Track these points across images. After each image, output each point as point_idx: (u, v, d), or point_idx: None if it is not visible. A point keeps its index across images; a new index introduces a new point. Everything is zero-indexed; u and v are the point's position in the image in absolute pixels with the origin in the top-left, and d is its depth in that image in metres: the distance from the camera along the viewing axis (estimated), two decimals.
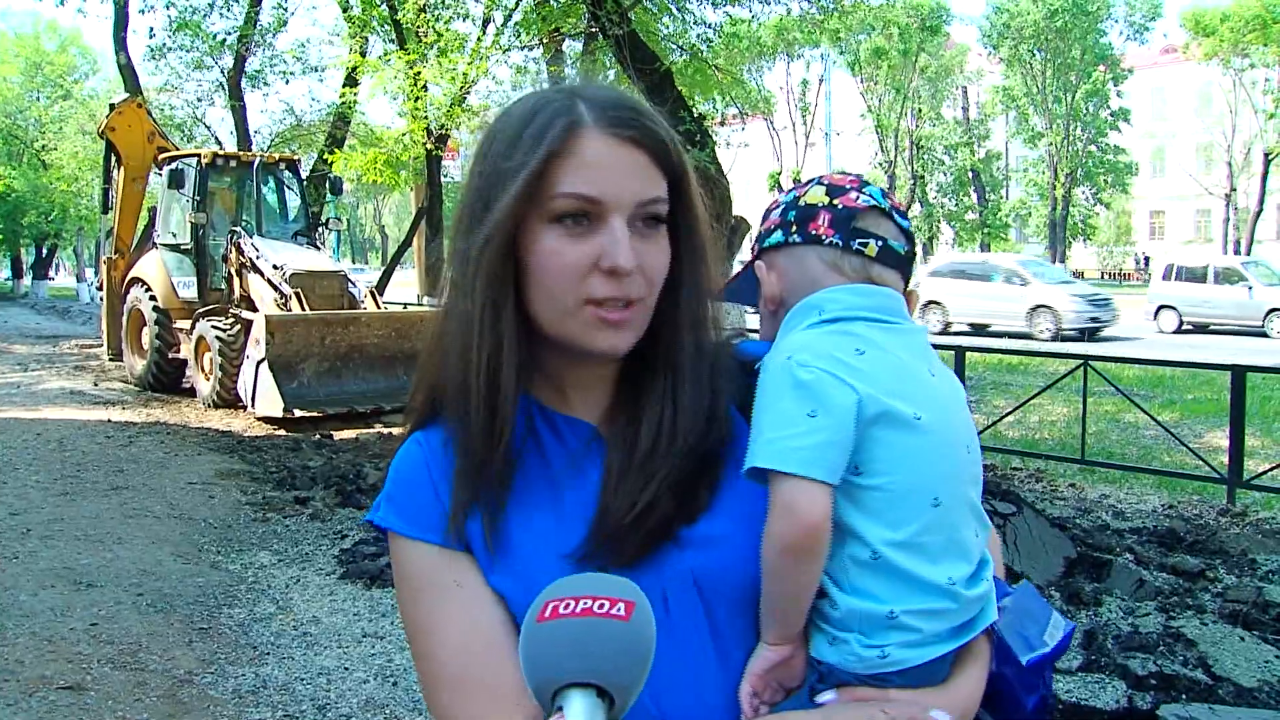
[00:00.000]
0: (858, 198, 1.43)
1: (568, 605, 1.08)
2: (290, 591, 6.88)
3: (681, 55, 16.19)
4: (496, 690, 1.28)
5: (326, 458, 11.32)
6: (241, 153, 19.50)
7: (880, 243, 1.41)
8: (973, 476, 1.35)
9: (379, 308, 15.77)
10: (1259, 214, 47.69)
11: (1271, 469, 9.07)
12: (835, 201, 1.43)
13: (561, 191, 1.27)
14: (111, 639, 5.93)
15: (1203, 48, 45.97)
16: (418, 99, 16.92)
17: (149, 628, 6.13)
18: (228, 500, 9.24)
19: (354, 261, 77.70)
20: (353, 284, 15.96)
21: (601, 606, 1.08)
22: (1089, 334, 25.90)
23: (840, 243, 1.41)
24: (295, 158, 18.80)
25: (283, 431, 12.95)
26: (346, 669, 5.62)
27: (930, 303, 27.76)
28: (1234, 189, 50.61)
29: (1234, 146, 50.56)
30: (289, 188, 17.94)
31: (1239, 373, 9.11)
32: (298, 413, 13.16)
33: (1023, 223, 65.47)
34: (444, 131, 19.24)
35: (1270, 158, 46.86)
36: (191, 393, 16.04)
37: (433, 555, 1.35)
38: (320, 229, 17.98)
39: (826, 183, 1.47)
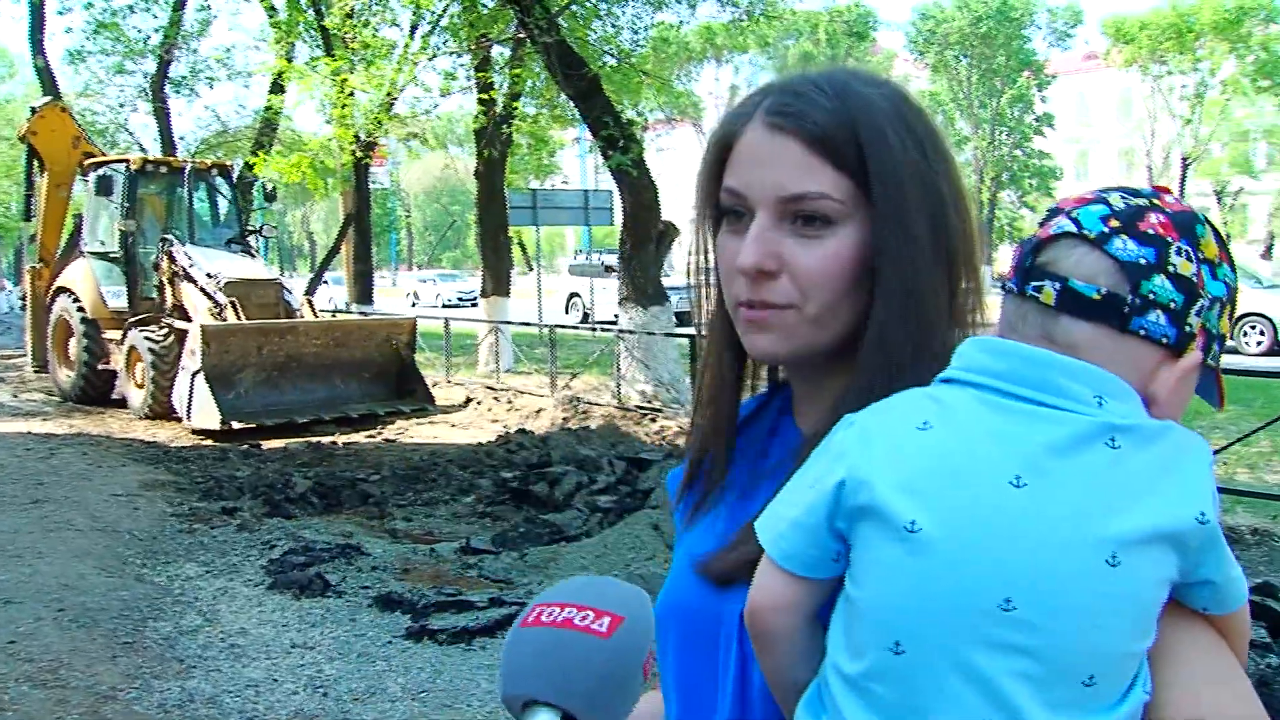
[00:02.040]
0: (1055, 221, 1.03)
1: (552, 612, 0.99)
2: (218, 603, 6.77)
3: (610, 61, 16.19)
4: None
5: (254, 467, 11.18)
6: (172, 158, 19.01)
7: (1058, 285, 1.00)
8: (999, 643, 0.93)
9: (315, 316, 15.59)
10: None
11: None
12: (1037, 231, 1.06)
13: (723, 187, 1.21)
14: (30, 656, 5.78)
15: (1122, 54, 46.97)
16: (345, 105, 16.77)
17: (70, 644, 5.99)
18: (153, 512, 9.07)
19: (282, 269, 76.93)
20: (288, 292, 15.74)
21: (584, 618, 0.98)
22: None
23: (1015, 288, 1.04)
24: (227, 164, 18.42)
25: (209, 441, 12.76)
26: (275, 680, 5.54)
27: None
28: None
29: (1153, 151, 51.49)
30: (221, 194, 17.55)
31: None
32: (236, 425, 12.87)
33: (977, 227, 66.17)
34: (372, 139, 19.11)
35: (1188, 162, 47.93)
36: (121, 404, 15.68)
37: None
38: (254, 236, 17.65)
39: (1059, 205, 1.07)
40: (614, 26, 16.32)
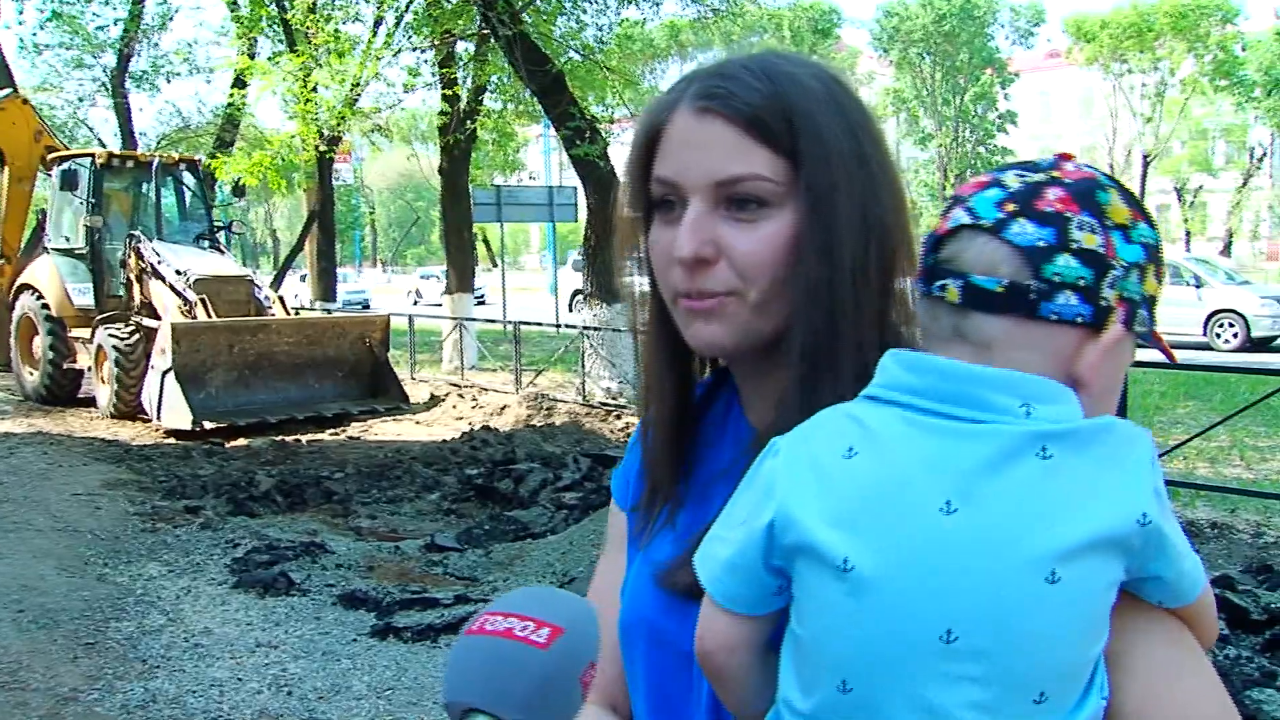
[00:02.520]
0: (952, 212, 0.99)
1: (495, 621, 1.00)
2: (181, 603, 6.73)
3: (574, 56, 16.17)
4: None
5: (218, 466, 11.11)
6: (139, 153, 18.78)
7: (960, 282, 0.96)
8: (945, 675, 0.90)
9: (287, 313, 15.36)
10: None
11: None
12: (936, 225, 1.02)
13: (653, 177, 1.16)
14: None
15: (1084, 53, 47.48)
16: (308, 101, 16.66)
17: (30, 645, 5.93)
18: (115, 511, 9.00)
19: (245, 265, 76.35)
20: (259, 288, 15.47)
21: (524, 629, 0.99)
22: None
23: (923, 288, 1.00)
24: (195, 158, 18.00)
25: (172, 440, 12.65)
26: (240, 680, 5.51)
27: None
28: None
29: (1115, 148, 51.97)
30: (189, 189, 17.19)
31: None
32: (207, 425, 12.67)
33: (914, 223, 66.53)
34: (335, 134, 19.00)
35: (1148, 159, 48.43)
36: (88, 403, 15.47)
37: (615, 514, 1.42)
38: (224, 232, 17.37)
39: (957, 193, 1.02)
40: (578, 22, 16.28)
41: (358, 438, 13.03)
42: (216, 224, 17.42)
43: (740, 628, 1.01)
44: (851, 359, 1.07)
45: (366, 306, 38.30)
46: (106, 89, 24.86)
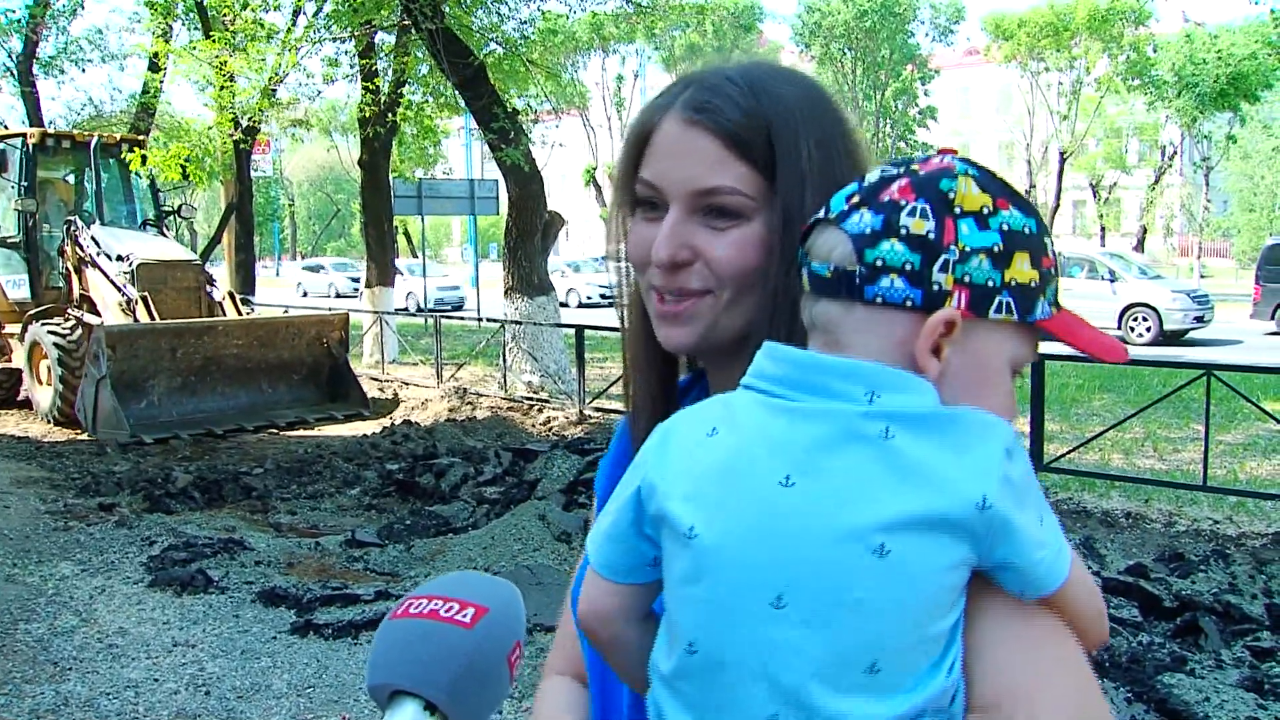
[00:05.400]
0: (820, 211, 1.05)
1: (420, 604, 1.01)
2: (95, 602, 6.60)
3: (496, 49, 16.08)
4: (561, 643, 1.45)
5: (133, 462, 10.90)
6: (76, 132, 17.39)
7: (806, 271, 1.03)
8: (775, 640, 0.94)
9: (239, 312, 14.09)
10: (1056, 209, 50.02)
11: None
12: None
13: (639, 178, 1.24)
14: None
15: (1002, 51, 48.13)
16: (223, 88, 16.34)
17: None
18: (25, 509, 8.79)
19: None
20: (213, 284, 14.41)
21: (449, 610, 1.00)
22: None
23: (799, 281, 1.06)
24: (140, 138, 16.88)
25: (84, 435, 12.36)
26: (156, 680, 5.42)
27: None
28: (1033, 185, 52.81)
29: (1032, 145, 52.78)
30: (133, 171, 15.73)
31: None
32: (147, 439, 11.67)
33: None
34: (253, 124, 18.69)
35: (1065, 156, 49.29)
36: (25, 406, 14.37)
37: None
38: (173, 216, 16.32)
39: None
40: (499, 15, 16.19)
41: (276, 433, 12.83)
42: (165, 208, 16.38)
43: (614, 596, 1.06)
44: None
45: (459, 307, 34.92)
46: (13, 75, 24.20)
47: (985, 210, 0.97)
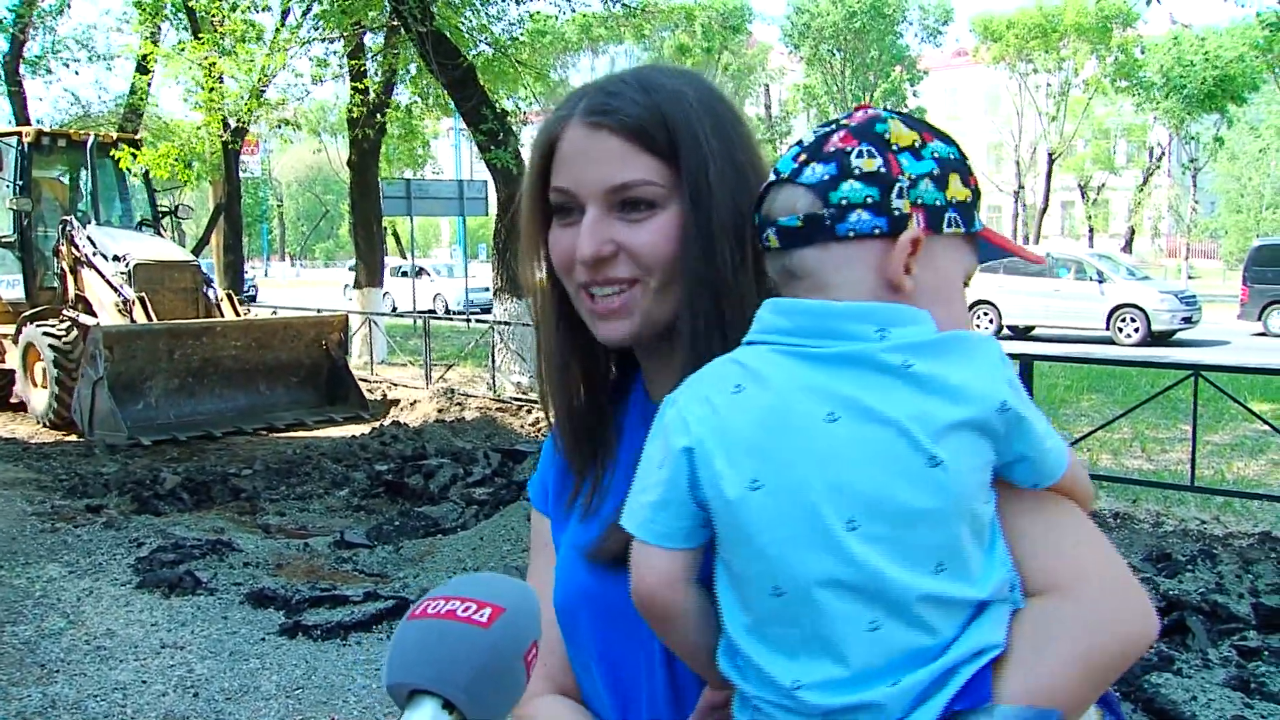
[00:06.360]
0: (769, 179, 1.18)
1: (437, 605, 1.01)
2: (82, 604, 6.58)
3: (485, 50, 16.06)
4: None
5: (121, 463, 10.88)
6: (71, 130, 17.24)
7: (773, 229, 1.14)
8: (856, 559, 1.03)
9: (236, 313, 14.00)
10: (1044, 210, 50.20)
11: None
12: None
13: (551, 186, 1.30)
14: None
15: (991, 52, 48.26)
16: (212, 89, 16.28)
17: None
18: (11, 511, 8.76)
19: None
20: (211, 284, 14.33)
21: (467, 610, 1.00)
22: None
23: (763, 243, 1.17)
24: (136, 137, 16.79)
25: (73, 436, 12.32)
26: (144, 682, 5.41)
27: None
28: (1022, 186, 52.99)
29: (1021, 146, 52.90)
30: (125, 169, 15.38)
31: None
32: (145, 441, 11.60)
33: None
34: (241, 125, 18.65)
35: (1053, 157, 49.43)
36: (19, 408, 14.24)
37: (538, 519, 1.52)
38: (170, 216, 16.29)
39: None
40: (489, 16, 16.16)
41: (265, 434, 12.80)
42: (161, 208, 16.24)
43: (676, 561, 1.12)
44: (738, 334, 1.17)
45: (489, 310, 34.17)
46: None
47: (916, 144, 1.11)
